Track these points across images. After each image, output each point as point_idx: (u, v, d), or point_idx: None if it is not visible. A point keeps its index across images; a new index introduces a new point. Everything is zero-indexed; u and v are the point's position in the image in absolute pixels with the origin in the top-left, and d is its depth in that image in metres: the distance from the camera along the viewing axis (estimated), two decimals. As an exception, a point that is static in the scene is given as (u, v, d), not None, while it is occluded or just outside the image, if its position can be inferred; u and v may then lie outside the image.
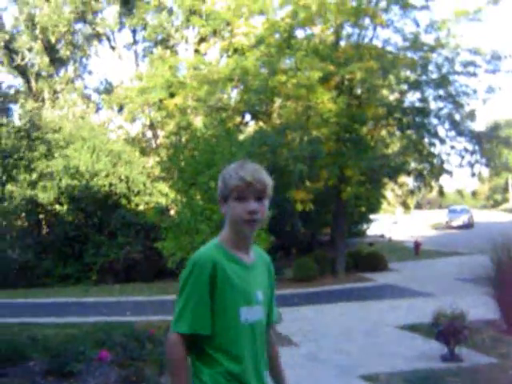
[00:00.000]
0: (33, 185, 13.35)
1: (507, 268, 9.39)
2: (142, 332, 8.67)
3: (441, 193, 22.96)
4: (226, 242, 2.40)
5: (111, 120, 31.95)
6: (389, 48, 20.23)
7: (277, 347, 2.70)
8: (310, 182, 19.04)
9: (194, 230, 9.73)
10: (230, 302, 2.29)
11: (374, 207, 32.50)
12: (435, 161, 20.85)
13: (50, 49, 31.30)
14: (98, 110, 35.04)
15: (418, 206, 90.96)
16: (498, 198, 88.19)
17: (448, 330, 7.65)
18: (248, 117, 25.46)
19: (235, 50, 22.84)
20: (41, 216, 22.47)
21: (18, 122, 21.66)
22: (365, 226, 35.54)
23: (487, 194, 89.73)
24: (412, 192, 23.85)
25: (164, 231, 10.23)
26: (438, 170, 21.04)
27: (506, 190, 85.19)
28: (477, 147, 20.61)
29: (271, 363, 2.57)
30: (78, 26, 31.93)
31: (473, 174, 21.61)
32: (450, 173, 21.21)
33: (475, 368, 7.40)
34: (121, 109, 29.90)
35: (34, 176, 10.97)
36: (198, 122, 20.30)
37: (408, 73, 20.56)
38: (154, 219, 10.83)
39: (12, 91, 32.92)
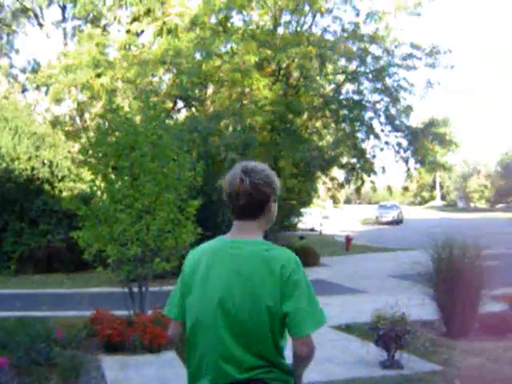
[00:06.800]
0: None
1: (448, 266, 8.85)
2: (50, 332, 7.69)
3: (373, 189, 22.75)
4: None
5: (38, 102, 30.26)
6: (328, 36, 19.74)
7: None
8: (241, 172, 18.33)
9: (112, 218, 8.79)
10: None
11: (306, 201, 32.03)
12: (368, 155, 20.53)
13: (-28, 23, 29.46)
14: (24, 90, 33.25)
15: (348, 201, 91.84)
16: (426, 195, 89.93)
17: (388, 335, 7.02)
18: (180, 104, 24.52)
19: (169, 32, 21.82)
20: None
21: None
22: (296, 220, 35.06)
23: (415, 191, 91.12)
24: (342, 185, 23.53)
25: (80, 220, 9.25)
26: (370, 165, 20.69)
27: (433, 187, 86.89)
28: (411, 143, 20.38)
29: None
30: (5, -1, 30.11)
31: (407, 170, 21.40)
32: (381, 168, 20.92)
33: (417, 376, 6.76)
34: (48, 90, 28.31)
35: None
36: (128, 105, 19.24)
37: (345, 63, 20.14)
38: (70, 206, 9.79)
39: None
